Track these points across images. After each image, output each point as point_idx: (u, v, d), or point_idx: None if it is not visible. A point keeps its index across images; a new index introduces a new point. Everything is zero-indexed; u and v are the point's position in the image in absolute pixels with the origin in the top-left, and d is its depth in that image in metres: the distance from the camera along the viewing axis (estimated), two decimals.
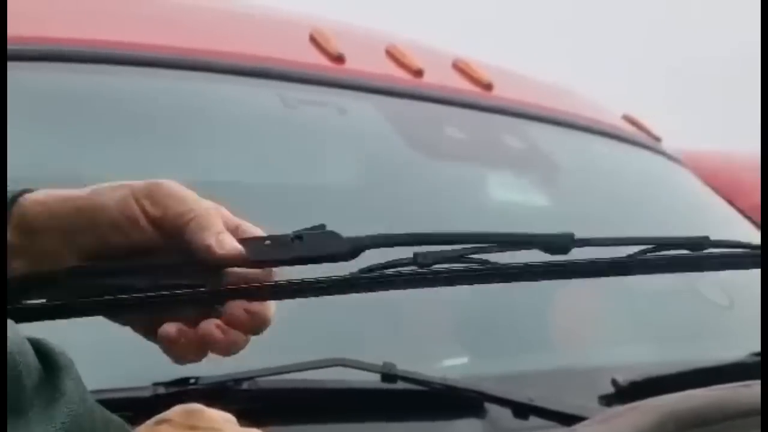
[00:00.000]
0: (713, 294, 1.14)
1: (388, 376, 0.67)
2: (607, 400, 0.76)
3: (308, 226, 0.58)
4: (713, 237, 1.30)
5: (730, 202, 1.72)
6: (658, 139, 1.70)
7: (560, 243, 0.55)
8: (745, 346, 1.00)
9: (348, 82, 1.27)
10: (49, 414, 0.40)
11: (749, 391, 0.69)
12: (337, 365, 0.66)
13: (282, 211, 1.03)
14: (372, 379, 0.68)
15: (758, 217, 2.08)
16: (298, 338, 0.69)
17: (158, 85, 1.03)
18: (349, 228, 1.06)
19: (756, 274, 1.09)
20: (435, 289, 0.57)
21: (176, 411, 0.48)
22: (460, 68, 1.49)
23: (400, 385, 0.67)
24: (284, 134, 1.14)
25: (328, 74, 1.27)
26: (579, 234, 1.06)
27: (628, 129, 1.62)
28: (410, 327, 0.88)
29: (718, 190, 1.93)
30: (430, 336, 0.90)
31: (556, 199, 1.25)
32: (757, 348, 0.95)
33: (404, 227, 1.05)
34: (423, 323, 0.89)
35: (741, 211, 1.70)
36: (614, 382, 0.81)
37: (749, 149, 2.65)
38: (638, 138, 1.58)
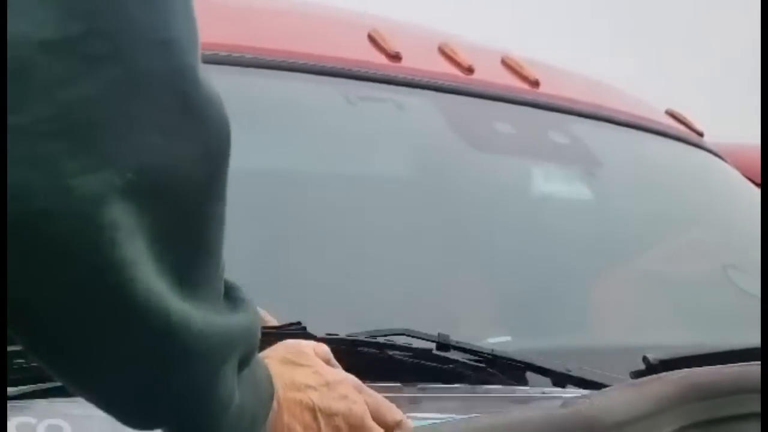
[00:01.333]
0: (745, 283, 1.23)
1: (443, 345, 0.79)
2: (637, 375, 0.86)
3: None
4: (752, 232, 1.38)
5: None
6: (700, 134, 1.78)
7: None
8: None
9: (405, 80, 1.38)
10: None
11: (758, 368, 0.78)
12: (402, 334, 0.78)
13: (344, 200, 1.15)
14: (429, 347, 0.80)
15: None
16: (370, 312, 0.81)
17: (242, 82, 1.15)
18: (401, 216, 1.17)
19: None
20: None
21: (278, 347, 0.57)
22: (509, 65, 1.59)
23: (452, 353, 0.79)
24: (347, 128, 1.26)
25: (386, 72, 1.38)
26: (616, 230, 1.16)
27: (672, 124, 1.70)
28: (462, 307, 1.00)
29: (757, 184, 1.99)
30: (479, 315, 1.02)
31: (599, 193, 1.35)
32: None
33: (454, 218, 1.16)
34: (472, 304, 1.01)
35: None
36: (645, 359, 0.91)
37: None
38: (681, 134, 1.66)
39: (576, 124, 1.49)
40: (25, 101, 0.39)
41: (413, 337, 0.78)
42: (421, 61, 1.46)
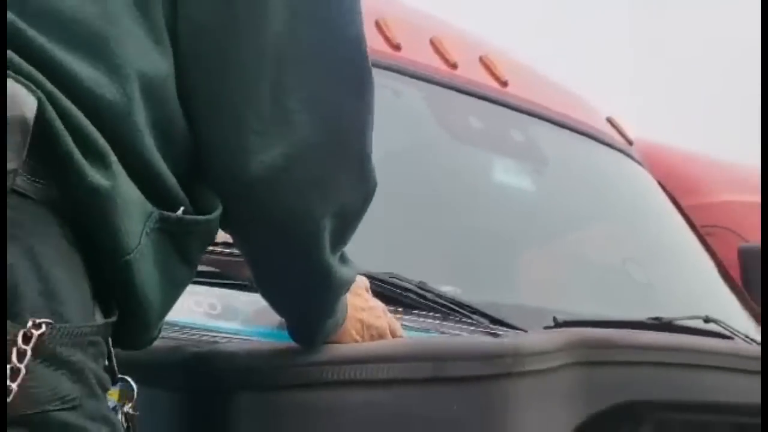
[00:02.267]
0: (637, 274, 1.64)
1: (422, 288, 1.17)
2: (547, 328, 1.26)
3: None
4: (651, 232, 1.80)
5: (677, 200, 2.18)
6: (630, 143, 2.16)
7: None
8: (647, 313, 1.49)
9: (403, 69, 1.70)
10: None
11: (635, 335, 1.19)
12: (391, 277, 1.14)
13: None
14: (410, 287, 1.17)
15: (707, 217, 2.54)
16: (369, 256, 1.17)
17: None
18: (391, 188, 1.51)
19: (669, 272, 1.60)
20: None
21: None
22: (485, 63, 1.92)
23: (426, 294, 1.16)
24: None
25: (388, 60, 1.69)
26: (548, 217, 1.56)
27: (608, 131, 2.08)
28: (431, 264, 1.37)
29: (674, 184, 2.38)
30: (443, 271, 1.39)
31: (541, 187, 1.73)
32: (652, 314, 1.45)
33: (429, 194, 1.51)
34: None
35: (683, 211, 2.17)
36: (554, 319, 1.31)
37: (709, 153, 3.09)
38: (613, 141, 2.04)
39: (533, 124, 1.85)
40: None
41: (397, 279, 1.16)
42: (416, 52, 1.78)
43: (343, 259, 0.82)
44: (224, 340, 0.86)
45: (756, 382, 1.28)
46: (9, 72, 0.60)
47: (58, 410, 0.60)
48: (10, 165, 0.58)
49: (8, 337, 0.58)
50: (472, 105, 1.75)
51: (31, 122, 0.59)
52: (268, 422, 0.81)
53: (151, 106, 0.67)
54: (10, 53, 0.61)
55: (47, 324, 0.59)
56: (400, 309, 1.06)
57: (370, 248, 1.29)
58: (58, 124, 0.62)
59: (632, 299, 1.58)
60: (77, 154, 0.62)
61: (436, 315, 1.14)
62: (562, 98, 2.04)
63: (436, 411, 0.88)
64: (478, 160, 1.67)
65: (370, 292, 0.95)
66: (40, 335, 0.59)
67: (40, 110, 0.60)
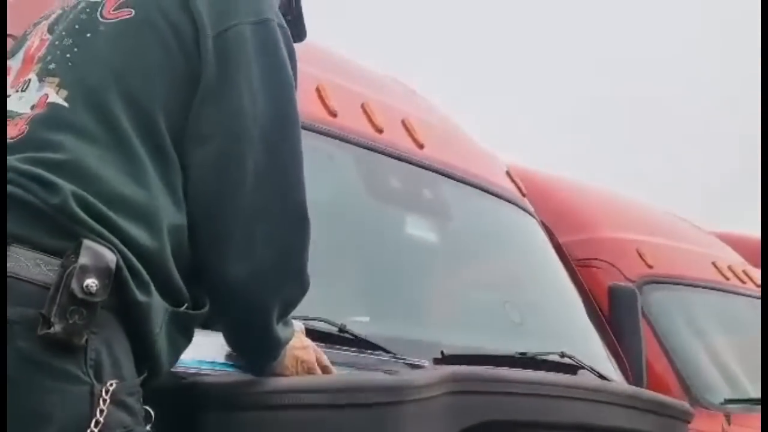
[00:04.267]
0: (513, 314, 2.04)
1: (341, 330, 1.55)
2: (436, 361, 1.65)
3: None
4: (529, 278, 2.21)
5: (556, 239, 2.53)
6: (524, 194, 2.55)
7: None
8: (519, 348, 1.89)
9: (338, 135, 2.03)
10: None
11: (495, 371, 1.59)
12: (320, 320, 1.52)
13: None
14: (333, 329, 1.55)
15: (589, 251, 2.91)
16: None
17: None
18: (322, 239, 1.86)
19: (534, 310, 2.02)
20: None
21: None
22: (406, 127, 2.26)
23: (345, 334, 1.54)
24: None
25: (326, 127, 2.02)
26: (447, 264, 1.95)
27: (507, 184, 2.45)
28: (350, 302, 1.75)
29: (561, 218, 2.72)
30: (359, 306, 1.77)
31: (444, 240, 2.11)
32: (522, 349, 1.85)
33: (352, 244, 1.87)
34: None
35: (563, 254, 2.56)
36: (442, 353, 1.70)
37: (597, 185, 3.45)
38: (508, 193, 2.41)
39: (442, 183, 2.21)
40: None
41: (324, 322, 1.53)
42: (349, 119, 2.11)
43: (286, 324, 1.24)
44: (201, 373, 1.22)
45: (593, 407, 1.70)
46: (97, 238, 1.02)
47: None
48: (101, 297, 1.00)
49: (97, 393, 0.99)
50: (393, 166, 2.11)
51: (114, 271, 1.01)
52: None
53: (174, 244, 1.10)
54: (98, 226, 1.03)
55: (116, 383, 1.01)
56: (323, 345, 1.43)
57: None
58: (124, 268, 1.04)
59: (508, 335, 1.99)
60: (132, 285, 1.04)
61: (354, 350, 1.53)
62: (470, 156, 2.40)
63: (348, 428, 1.26)
64: (393, 216, 2.04)
65: (304, 333, 1.33)
66: (113, 390, 1.00)
67: (116, 262, 1.02)
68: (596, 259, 2.94)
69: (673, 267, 3.20)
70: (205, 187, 1.11)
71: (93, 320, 0.98)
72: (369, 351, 1.56)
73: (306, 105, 2.06)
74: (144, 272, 1.05)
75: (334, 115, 2.06)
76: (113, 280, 1.00)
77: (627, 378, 2.25)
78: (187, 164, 1.11)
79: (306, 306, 1.38)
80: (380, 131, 2.15)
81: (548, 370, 1.81)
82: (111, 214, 1.04)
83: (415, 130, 2.25)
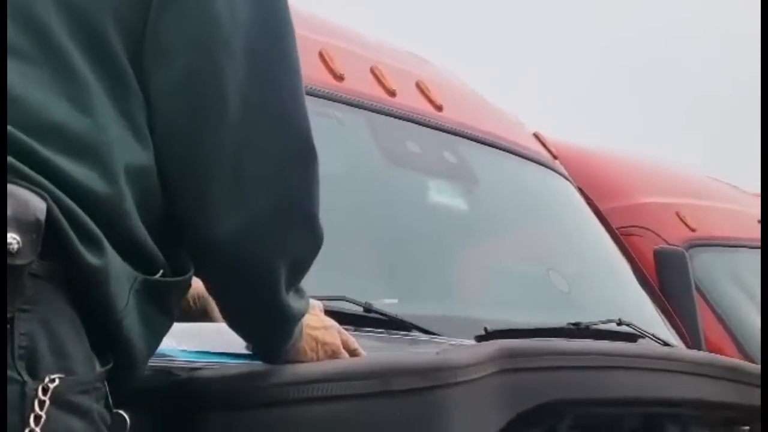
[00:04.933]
0: (559, 283, 1.82)
1: (368, 309, 1.32)
2: (478, 338, 1.43)
3: None
4: (572, 242, 1.98)
5: (597, 207, 2.35)
6: (555, 156, 2.34)
7: None
8: (569, 318, 1.67)
9: (346, 99, 1.83)
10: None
11: (551, 343, 1.36)
12: (341, 299, 1.30)
13: None
14: (358, 309, 1.32)
15: (626, 218, 2.73)
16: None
17: None
18: (335, 212, 1.65)
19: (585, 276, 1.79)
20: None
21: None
22: (421, 89, 2.07)
23: (372, 314, 1.32)
24: None
25: (331, 91, 1.83)
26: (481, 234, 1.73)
27: (535, 147, 2.25)
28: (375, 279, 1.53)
29: (595, 188, 2.55)
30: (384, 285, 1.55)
31: (472, 205, 1.89)
32: (573, 319, 1.63)
33: (371, 216, 1.66)
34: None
35: (602, 217, 2.36)
36: (485, 329, 1.47)
37: (631, 151, 3.27)
38: (539, 156, 2.21)
39: (465, 145, 2.01)
40: None
41: (349, 301, 1.31)
42: (358, 82, 1.91)
43: (297, 292, 0.98)
44: (198, 366, 0.99)
45: (660, 378, 1.47)
46: (19, 180, 0.75)
47: None
48: (27, 259, 0.74)
49: (30, 392, 0.73)
50: (409, 130, 1.91)
51: (43, 223, 0.75)
52: None
53: (137, 192, 0.83)
54: (18, 164, 0.76)
55: (60, 378, 0.75)
56: (351, 327, 1.21)
57: (322, 271, 1.44)
58: (62, 219, 0.77)
59: (555, 305, 1.76)
60: (76, 242, 0.78)
61: (383, 331, 1.30)
62: (493, 118, 2.20)
63: (384, 421, 1.03)
64: (414, 183, 1.83)
65: (323, 312, 1.09)
66: (54, 388, 0.74)
67: (49, 211, 0.76)
68: (634, 226, 2.75)
69: (718, 228, 2.98)
70: (174, 118, 0.85)
71: (19, 292, 0.73)
72: (401, 332, 1.34)
73: (308, 70, 1.88)
74: (92, 225, 0.79)
75: (340, 78, 1.86)
76: (43, 234, 0.75)
77: (686, 344, 2.04)
78: (150, 90, 0.85)
79: (323, 287, 1.16)
80: (393, 94, 1.95)
81: (605, 340, 1.59)
82: (40, 147, 0.78)
83: (431, 92, 2.05)
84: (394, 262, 1.66)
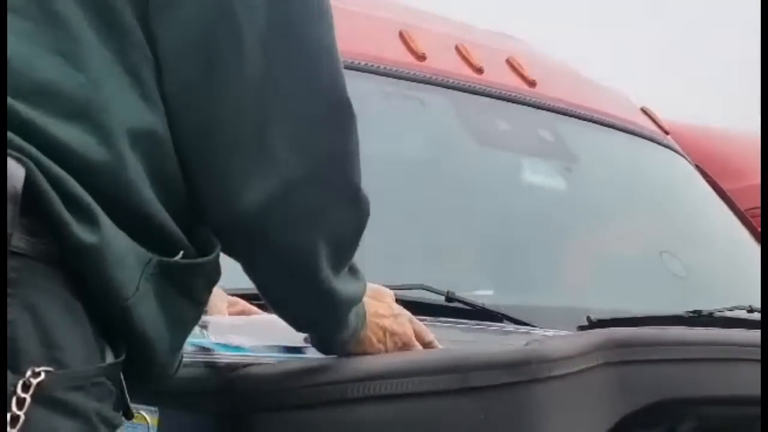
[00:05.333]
0: (674, 267, 1.61)
1: (450, 298, 1.17)
2: (581, 328, 1.25)
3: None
4: (691, 223, 1.76)
5: (717, 184, 2.13)
6: (666, 132, 2.13)
7: None
8: (688, 307, 1.47)
9: (429, 79, 1.70)
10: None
11: (665, 331, 1.17)
12: (421, 288, 1.16)
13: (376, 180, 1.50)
14: (440, 298, 1.18)
15: (751, 199, 2.48)
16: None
17: None
18: (418, 196, 1.51)
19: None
20: None
21: (370, 288, 0.90)
22: (512, 65, 1.91)
23: (454, 303, 1.17)
24: (377, 121, 1.59)
25: (413, 71, 1.70)
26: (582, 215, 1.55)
27: (643, 122, 2.04)
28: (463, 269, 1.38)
29: (711, 167, 2.32)
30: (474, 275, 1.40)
31: (573, 184, 1.71)
32: (693, 307, 1.42)
33: (458, 199, 1.52)
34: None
35: (726, 196, 2.13)
36: (588, 318, 1.30)
37: (748, 130, 3.00)
38: (649, 132, 2.01)
39: (562, 122, 1.83)
40: None
41: (429, 290, 1.17)
42: (441, 61, 1.78)
43: (353, 273, 0.86)
44: (247, 362, 0.88)
45: None
46: None
47: None
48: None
49: (9, 388, 0.63)
50: (499, 108, 1.75)
51: (20, 192, 0.64)
52: None
53: (146, 159, 0.72)
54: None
55: (46, 372, 0.64)
56: (427, 319, 1.07)
57: (402, 259, 1.30)
58: (48, 188, 0.67)
59: (671, 292, 1.56)
60: (65, 214, 0.67)
61: (467, 323, 1.15)
62: (594, 93, 2.02)
63: (464, 422, 0.88)
64: (507, 163, 1.67)
65: (394, 300, 0.96)
66: (38, 383, 0.63)
67: (30, 179, 0.65)
68: (757, 207, 2.50)
69: None
70: (187, 75, 0.73)
71: None
72: (488, 324, 1.18)
73: (387, 50, 1.77)
74: (86, 196, 0.68)
75: (422, 58, 1.73)
76: (24, 205, 0.64)
77: None
78: (159, 45, 0.73)
79: (408, 277, 1.03)
80: (480, 71, 1.80)
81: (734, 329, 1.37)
82: (22, 108, 0.68)
83: (522, 67, 1.89)
84: (485, 249, 1.51)
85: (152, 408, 0.86)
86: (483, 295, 1.36)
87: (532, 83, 1.86)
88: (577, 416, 0.98)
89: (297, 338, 0.89)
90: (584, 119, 1.86)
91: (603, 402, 1.03)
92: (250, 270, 0.82)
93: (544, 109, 1.82)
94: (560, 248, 1.59)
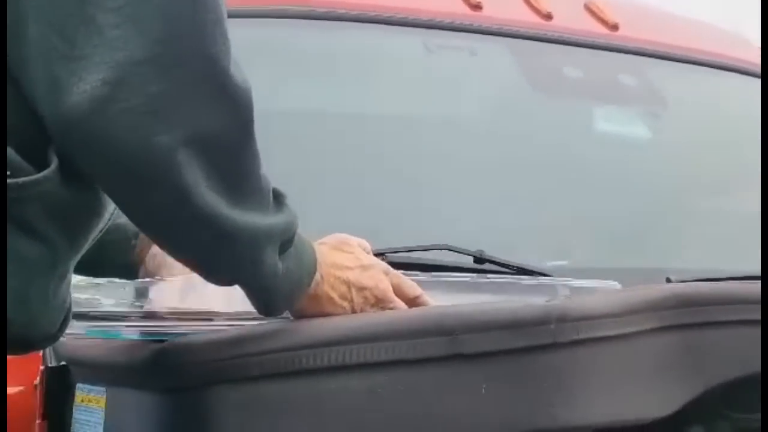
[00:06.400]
0: None
1: (479, 259, 0.97)
2: None
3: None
4: None
5: None
6: None
7: None
8: None
9: (483, 29, 1.52)
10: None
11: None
12: (444, 249, 0.96)
13: (419, 141, 1.33)
14: (467, 260, 0.98)
15: None
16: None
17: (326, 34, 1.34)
18: (473, 152, 1.32)
19: None
20: None
21: (330, 238, 0.76)
22: (591, 9, 1.69)
23: (486, 265, 0.97)
24: (427, 74, 1.43)
25: (468, 21, 1.52)
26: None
27: (748, 58, 1.74)
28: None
29: None
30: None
31: (658, 132, 1.47)
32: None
33: (518, 155, 1.32)
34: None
35: None
36: (667, 280, 1.06)
37: None
38: (751, 67, 1.70)
39: (648, 65, 1.59)
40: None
41: (455, 251, 0.97)
42: (501, 9, 1.59)
43: (277, 205, 0.69)
44: (177, 332, 0.73)
45: None
46: None
47: None
48: None
49: None
50: (568, 55, 1.54)
51: None
52: (246, 418, 0.67)
53: None
54: None
55: None
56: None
57: (460, 219, 1.12)
58: None
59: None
60: None
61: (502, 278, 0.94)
62: (690, 32, 1.76)
63: (458, 397, 0.69)
64: (578, 112, 1.45)
65: (370, 252, 0.77)
66: None
67: None
68: None
69: None
70: None
71: None
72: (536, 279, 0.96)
73: (441, 3, 1.60)
74: None
75: (477, 7, 1.55)
76: None
77: None
78: None
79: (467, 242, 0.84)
80: (548, 17, 1.59)
81: None
82: None
83: (603, 11, 1.66)
84: (558, 210, 1.29)
85: (100, 388, 0.74)
86: (559, 267, 1.16)
87: (613, 26, 1.64)
88: (618, 396, 0.75)
89: (241, 303, 0.73)
90: (673, 59, 1.61)
91: (663, 378, 0.79)
92: (110, 195, 0.66)
93: (627, 52, 1.59)
94: (645, 204, 1.35)
